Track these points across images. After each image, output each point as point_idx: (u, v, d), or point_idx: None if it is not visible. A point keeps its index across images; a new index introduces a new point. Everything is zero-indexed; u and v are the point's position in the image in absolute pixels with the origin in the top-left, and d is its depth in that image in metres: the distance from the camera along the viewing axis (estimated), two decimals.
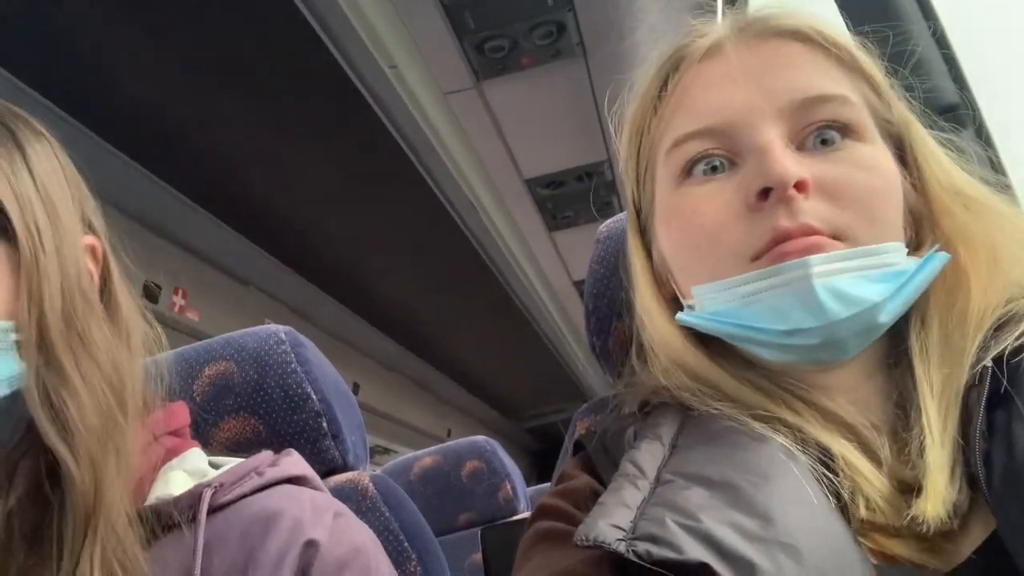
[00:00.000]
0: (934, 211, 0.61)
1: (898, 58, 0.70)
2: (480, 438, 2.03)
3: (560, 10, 2.32)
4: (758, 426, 0.57)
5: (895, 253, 0.57)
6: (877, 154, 0.59)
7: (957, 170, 0.63)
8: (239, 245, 3.06)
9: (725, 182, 0.60)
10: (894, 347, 0.61)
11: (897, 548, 0.52)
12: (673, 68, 0.66)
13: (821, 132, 0.59)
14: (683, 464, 0.55)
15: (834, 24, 0.65)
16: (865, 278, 0.55)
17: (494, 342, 5.27)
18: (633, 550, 0.47)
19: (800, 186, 0.56)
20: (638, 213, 0.72)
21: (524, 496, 1.98)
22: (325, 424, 0.88)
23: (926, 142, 0.64)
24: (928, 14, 1.14)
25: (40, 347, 0.58)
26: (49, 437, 0.56)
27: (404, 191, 2.91)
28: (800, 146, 0.59)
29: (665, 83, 0.66)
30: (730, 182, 0.60)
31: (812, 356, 0.58)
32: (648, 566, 0.47)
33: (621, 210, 0.86)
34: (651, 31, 2.46)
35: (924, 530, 0.50)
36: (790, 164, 0.56)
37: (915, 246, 0.61)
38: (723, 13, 0.69)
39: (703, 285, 0.61)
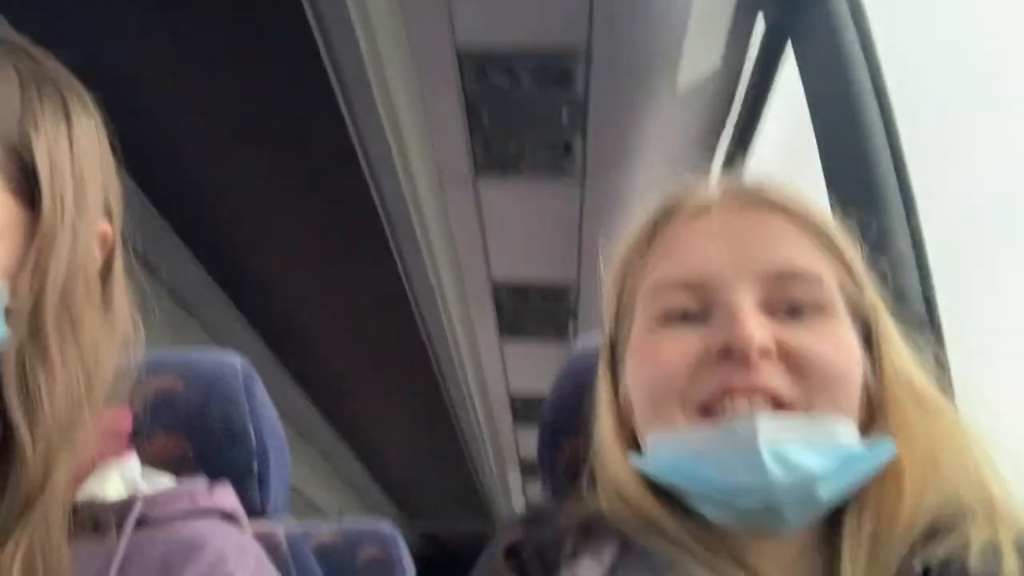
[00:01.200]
0: (885, 399, 0.63)
1: (877, 248, 0.73)
2: (384, 525, 1.95)
3: (572, 131, 2.40)
4: (697, 571, 0.58)
5: (844, 428, 0.58)
6: (843, 332, 0.62)
7: (912, 364, 0.65)
8: (191, 268, 2.98)
9: (693, 332, 0.62)
10: (830, 533, 0.62)
11: None
12: (664, 219, 0.69)
13: (795, 304, 0.61)
14: None
15: (818, 205, 0.69)
16: (810, 448, 0.56)
17: (411, 433, 5.15)
18: None
19: (763, 352, 0.58)
20: (612, 348, 0.73)
21: None
22: (256, 466, 0.85)
23: (889, 330, 0.66)
24: (910, 211, 1.20)
25: (31, 320, 0.56)
26: (13, 412, 0.54)
27: (370, 260, 2.87)
28: (771, 313, 0.61)
29: (655, 231, 0.69)
30: (697, 332, 0.62)
31: (752, 520, 0.59)
32: None
33: (576, 334, 0.87)
34: (648, 176, 2.55)
35: None
36: (758, 329, 0.58)
37: (863, 430, 0.62)
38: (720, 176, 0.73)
39: (657, 435, 0.62)
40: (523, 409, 5.21)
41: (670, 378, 0.61)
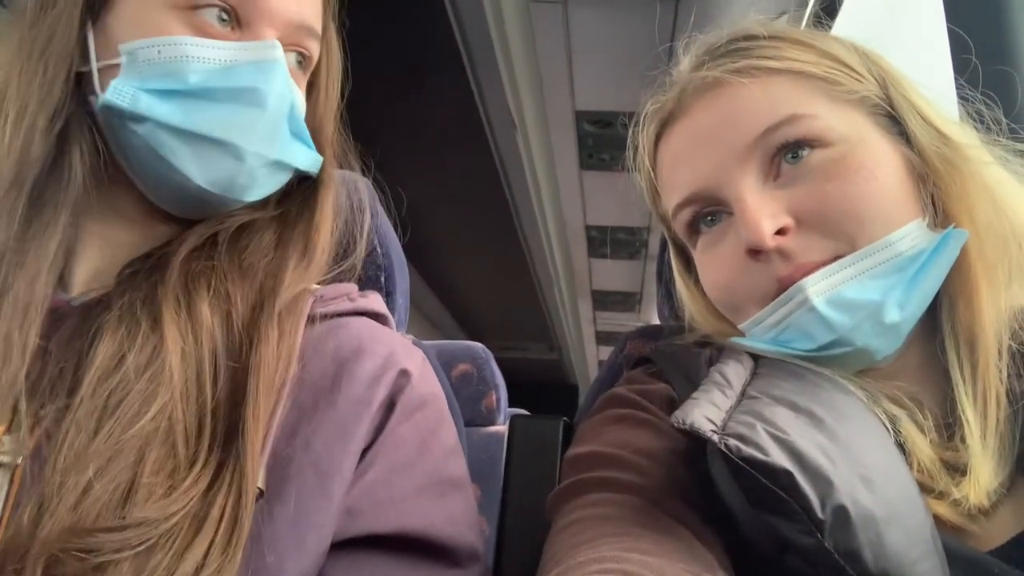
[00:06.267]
0: (931, 172, 0.63)
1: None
2: (477, 344, 2.03)
3: None
4: (834, 375, 0.60)
5: (902, 240, 0.59)
6: (846, 152, 0.61)
7: (941, 115, 0.64)
8: None
9: (724, 235, 0.65)
10: (936, 338, 0.63)
11: (939, 509, 0.56)
12: (653, 140, 0.72)
13: (788, 151, 0.62)
14: (768, 387, 0.58)
15: (769, 31, 0.68)
16: (869, 277, 0.58)
17: (481, 261, 5.20)
18: (725, 443, 0.50)
19: (782, 231, 0.60)
20: (679, 247, 0.76)
21: (505, 411, 2.00)
22: (383, 279, 0.88)
23: (909, 97, 0.65)
24: None
25: None
26: None
27: (445, 83, 2.77)
28: (777, 173, 0.62)
29: (656, 150, 0.72)
30: (728, 235, 0.65)
31: (853, 362, 0.61)
32: (736, 460, 0.50)
33: None
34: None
35: (964, 504, 0.55)
36: (765, 220, 0.60)
37: (941, 214, 0.62)
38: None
39: (745, 327, 0.66)
40: (599, 240, 5.21)
41: (728, 291, 0.66)
